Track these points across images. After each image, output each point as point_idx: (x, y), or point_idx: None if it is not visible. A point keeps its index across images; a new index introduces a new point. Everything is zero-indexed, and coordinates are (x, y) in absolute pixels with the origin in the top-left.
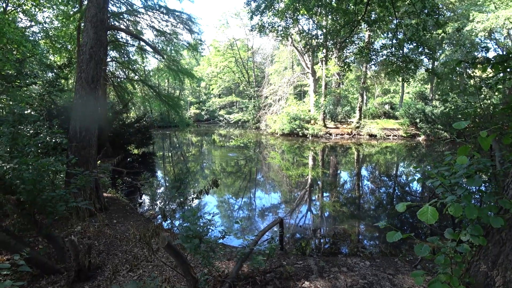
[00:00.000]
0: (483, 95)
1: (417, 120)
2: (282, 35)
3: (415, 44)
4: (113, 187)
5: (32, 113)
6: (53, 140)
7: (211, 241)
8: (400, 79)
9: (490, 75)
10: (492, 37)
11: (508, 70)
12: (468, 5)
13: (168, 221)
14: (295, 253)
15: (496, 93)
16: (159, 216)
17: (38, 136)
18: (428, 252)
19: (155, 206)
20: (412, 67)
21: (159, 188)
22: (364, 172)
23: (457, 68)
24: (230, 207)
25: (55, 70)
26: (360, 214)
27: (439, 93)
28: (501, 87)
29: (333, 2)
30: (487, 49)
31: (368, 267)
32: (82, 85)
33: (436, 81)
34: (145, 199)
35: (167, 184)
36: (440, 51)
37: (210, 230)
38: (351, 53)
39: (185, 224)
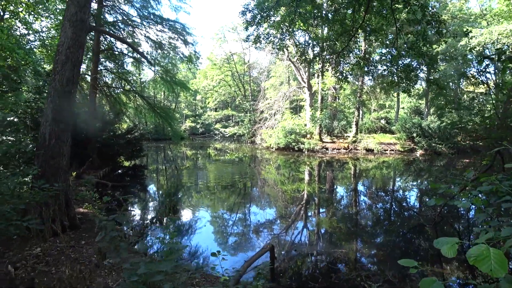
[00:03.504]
0: (476, 110)
1: (414, 135)
2: (278, 47)
3: (414, 54)
4: (92, 202)
5: (15, 120)
6: (15, 148)
7: None
8: (395, 94)
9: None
10: (484, 53)
11: None
12: (460, 21)
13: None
14: (288, 283)
15: (488, 107)
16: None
17: (21, 144)
18: None
19: (134, 224)
20: (413, 77)
21: (145, 203)
22: (361, 187)
23: (451, 84)
24: (219, 226)
25: (44, 78)
26: (363, 235)
27: (433, 108)
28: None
29: (329, 15)
30: (485, 57)
31: None
32: (55, 87)
33: (430, 96)
34: (130, 214)
35: (157, 199)
36: (435, 66)
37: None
38: (349, 64)
39: (130, 261)
